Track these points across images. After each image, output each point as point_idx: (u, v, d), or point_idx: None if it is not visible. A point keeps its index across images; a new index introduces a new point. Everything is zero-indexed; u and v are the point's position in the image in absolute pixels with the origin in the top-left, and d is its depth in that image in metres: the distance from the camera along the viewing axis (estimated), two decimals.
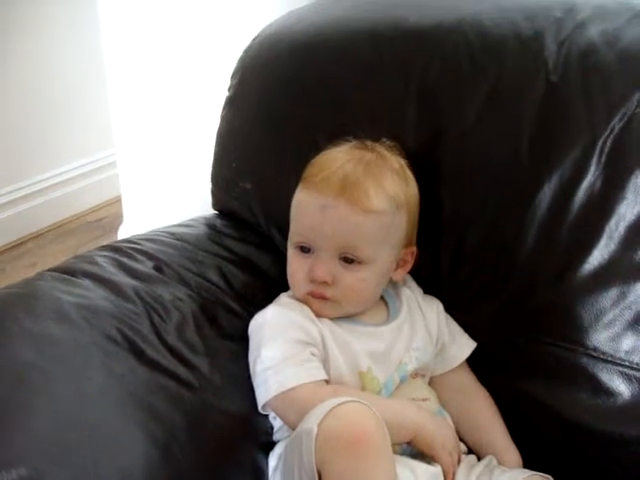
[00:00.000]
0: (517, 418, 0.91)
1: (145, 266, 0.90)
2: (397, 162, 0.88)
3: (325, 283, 0.84)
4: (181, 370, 0.80)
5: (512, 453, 0.88)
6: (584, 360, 0.87)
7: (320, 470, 0.67)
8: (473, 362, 0.94)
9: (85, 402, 0.71)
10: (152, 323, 0.82)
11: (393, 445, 0.72)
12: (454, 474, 0.81)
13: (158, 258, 0.92)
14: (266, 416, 0.86)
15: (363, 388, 0.84)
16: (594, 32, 0.90)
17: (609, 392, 0.85)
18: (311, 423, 0.69)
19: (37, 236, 2.45)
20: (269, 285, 0.96)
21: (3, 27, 2.29)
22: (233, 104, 1.09)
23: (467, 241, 0.93)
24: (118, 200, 2.18)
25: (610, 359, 0.85)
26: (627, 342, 0.85)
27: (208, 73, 1.65)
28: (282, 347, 0.82)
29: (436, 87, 0.95)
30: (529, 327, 0.90)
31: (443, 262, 0.95)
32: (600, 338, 0.86)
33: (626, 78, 0.86)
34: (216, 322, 0.89)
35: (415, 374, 0.89)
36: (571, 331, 0.87)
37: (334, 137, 0.92)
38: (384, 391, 0.85)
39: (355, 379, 0.84)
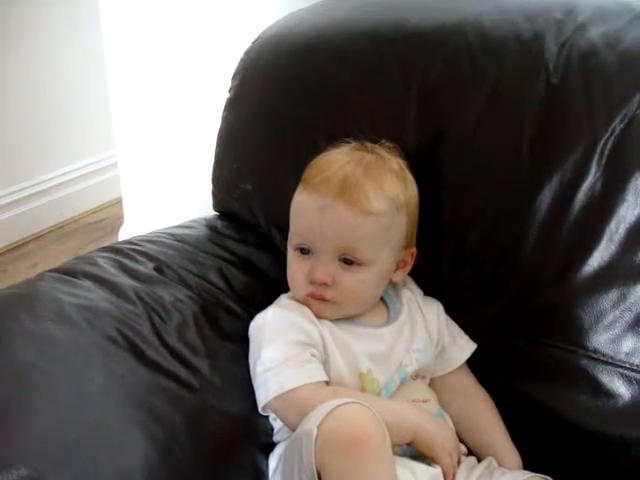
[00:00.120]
0: (517, 419, 0.91)
1: (146, 267, 0.90)
2: (397, 163, 0.88)
3: (325, 285, 0.84)
4: (181, 371, 0.80)
5: (512, 454, 0.88)
6: (584, 362, 0.87)
7: (320, 471, 0.67)
8: (473, 363, 0.94)
9: (85, 403, 0.71)
10: (152, 324, 0.82)
11: (393, 446, 0.72)
12: (454, 475, 0.81)
13: (159, 259, 0.92)
14: (266, 417, 0.86)
15: (363, 389, 0.84)
16: (595, 34, 0.90)
17: (609, 394, 0.85)
18: (311, 424, 0.69)
19: (38, 237, 2.45)
20: (270, 286, 0.96)
21: (4, 27, 2.29)
22: (234, 105, 1.09)
23: (467, 242, 0.93)
24: (119, 201, 2.18)
25: (610, 361, 0.85)
26: (627, 344, 0.85)
27: (209, 74, 1.65)
28: (282, 348, 0.82)
29: (437, 88, 0.95)
30: (529, 329, 0.90)
31: (443, 263, 0.95)
32: (600, 340, 0.86)
33: (627, 80, 0.86)
34: (216, 323, 0.89)
35: (415, 375, 0.89)
36: (571, 333, 0.87)
37: (334, 138, 0.92)
38: (384, 392, 0.85)
39: (355, 380, 0.84)
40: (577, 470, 0.86)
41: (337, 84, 1.00)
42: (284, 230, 0.92)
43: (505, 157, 0.91)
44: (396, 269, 0.90)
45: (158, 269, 0.90)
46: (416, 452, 0.81)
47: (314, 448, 0.67)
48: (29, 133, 2.41)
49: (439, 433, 0.81)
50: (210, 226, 1.06)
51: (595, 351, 0.86)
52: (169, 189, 1.83)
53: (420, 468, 0.79)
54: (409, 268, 0.92)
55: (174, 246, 0.96)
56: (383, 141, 0.91)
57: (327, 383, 0.82)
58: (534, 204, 0.89)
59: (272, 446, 0.85)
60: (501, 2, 1.01)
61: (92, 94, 2.50)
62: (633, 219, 0.84)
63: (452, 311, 0.95)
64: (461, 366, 0.94)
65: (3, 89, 2.32)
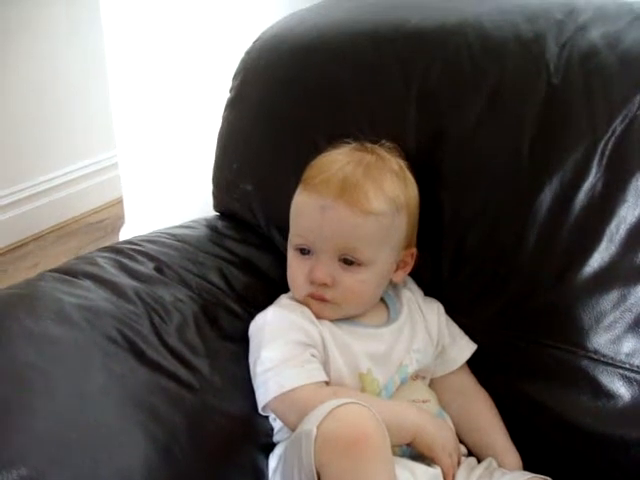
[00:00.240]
0: (517, 420, 0.91)
1: (146, 267, 0.90)
2: (397, 164, 0.88)
3: (325, 285, 0.84)
4: (181, 371, 0.80)
5: (512, 455, 0.88)
6: (584, 362, 0.87)
7: (319, 472, 0.67)
8: (473, 364, 0.94)
9: (85, 403, 0.71)
10: (153, 324, 0.82)
11: (393, 447, 0.72)
12: (454, 476, 0.81)
13: (159, 259, 0.92)
14: (266, 417, 0.86)
15: (363, 390, 0.84)
16: (595, 34, 0.90)
17: (609, 395, 0.85)
18: (310, 425, 0.69)
19: (39, 237, 2.46)
20: (270, 286, 0.96)
21: (4, 27, 2.29)
22: (234, 105, 1.09)
23: (467, 243, 0.93)
24: (120, 201, 2.18)
25: (610, 361, 0.85)
26: (628, 345, 0.85)
27: (210, 74, 1.65)
28: (282, 348, 0.82)
29: (437, 89, 0.95)
30: (529, 329, 0.90)
31: (443, 264, 0.95)
32: (601, 340, 0.86)
33: (627, 80, 0.86)
34: (217, 323, 0.89)
35: (415, 376, 0.89)
36: (572, 333, 0.87)
37: (335, 139, 0.92)
38: (384, 393, 0.85)
39: (355, 381, 0.84)
40: (577, 471, 0.86)
41: (337, 84, 1.00)
42: (284, 230, 0.92)
43: (505, 157, 0.91)
44: (396, 269, 0.90)
45: (158, 269, 0.90)
46: (416, 453, 0.81)
47: (313, 448, 0.67)
48: (30, 133, 2.41)
49: (439, 434, 0.81)
50: (210, 226, 1.06)
51: (595, 352, 0.86)
52: (169, 189, 1.83)
53: (420, 469, 0.79)
54: (409, 268, 0.92)
55: (174, 246, 0.96)
56: (383, 141, 0.91)
57: (327, 383, 0.82)
58: (534, 204, 0.89)
59: (272, 446, 0.85)
60: (501, 2, 1.01)
61: (92, 94, 2.50)
62: (633, 220, 0.84)
63: (452, 311, 0.95)
64: (461, 366, 0.94)
65: (3, 89, 2.32)
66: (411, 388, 0.88)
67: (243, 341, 0.87)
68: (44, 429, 0.67)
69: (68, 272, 0.85)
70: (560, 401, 0.88)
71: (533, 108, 0.89)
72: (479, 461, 0.88)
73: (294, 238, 0.87)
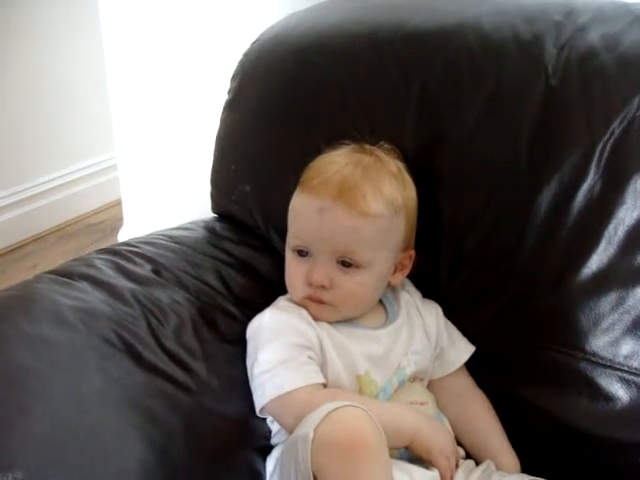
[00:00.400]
0: (515, 422, 0.91)
1: (143, 269, 0.90)
2: (395, 165, 0.88)
3: (323, 287, 0.84)
4: (179, 373, 0.80)
5: (510, 458, 0.88)
6: (583, 365, 0.86)
7: (316, 475, 0.67)
8: (472, 366, 0.94)
9: (82, 405, 0.71)
10: (150, 326, 0.82)
11: (390, 449, 0.71)
12: (452, 479, 0.81)
13: (157, 261, 0.92)
14: (264, 420, 0.85)
15: (361, 391, 0.84)
16: (594, 36, 0.90)
17: (608, 397, 0.85)
18: (307, 428, 0.68)
19: (38, 238, 2.45)
20: (268, 288, 0.96)
21: (4, 28, 2.29)
22: (233, 107, 1.09)
23: (466, 245, 0.93)
24: (119, 203, 2.18)
25: (609, 364, 0.85)
26: (626, 347, 0.85)
27: (208, 76, 1.65)
28: (279, 351, 0.82)
29: (436, 90, 0.95)
30: (528, 331, 0.90)
31: (442, 266, 0.95)
32: (599, 343, 0.86)
33: (626, 82, 0.86)
34: (214, 326, 0.88)
35: (413, 378, 0.89)
36: (570, 336, 0.87)
37: (333, 140, 0.92)
38: (382, 395, 0.85)
39: (353, 382, 0.84)
40: (575, 473, 0.86)
41: (337, 86, 1.00)
42: (283, 232, 0.92)
43: (504, 159, 0.91)
44: (394, 272, 0.90)
45: (156, 271, 0.90)
46: (414, 455, 0.81)
47: (310, 452, 0.67)
48: (29, 135, 2.41)
49: (437, 436, 0.81)
50: (208, 228, 1.06)
51: (594, 354, 0.86)
52: (168, 191, 1.82)
53: (418, 471, 0.78)
54: (407, 271, 0.92)
55: (172, 248, 0.96)
56: (382, 143, 0.91)
57: (324, 385, 0.82)
58: (533, 206, 0.88)
59: (270, 449, 0.85)
60: (500, 4, 1.01)
61: (92, 96, 2.50)
62: (632, 222, 0.84)
63: (451, 314, 0.95)
64: (459, 369, 0.94)
65: (3, 90, 2.32)
66: (409, 390, 0.88)
67: (240, 343, 0.87)
68: (40, 432, 0.66)
69: (65, 274, 0.85)
70: (558, 403, 0.88)
71: (532, 109, 0.89)
72: (477, 463, 0.87)
73: (292, 240, 0.87)
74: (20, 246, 2.40)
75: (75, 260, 0.91)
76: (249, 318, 0.89)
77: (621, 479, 0.84)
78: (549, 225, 0.88)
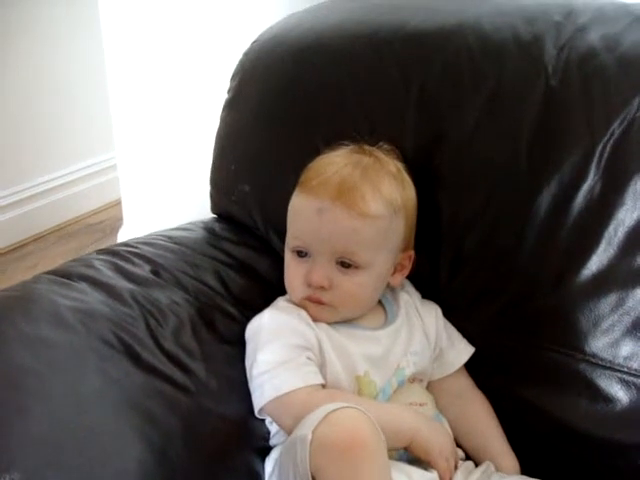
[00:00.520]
0: (515, 423, 0.91)
1: (142, 270, 0.89)
2: (394, 166, 0.88)
3: (322, 288, 0.83)
4: (177, 374, 0.80)
5: (509, 459, 0.88)
6: (583, 366, 0.86)
7: (315, 476, 0.67)
8: (472, 366, 0.94)
9: (81, 406, 0.71)
10: (149, 327, 0.82)
11: (389, 451, 0.71)
12: None
13: (156, 262, 0.92)
14: (263, 421, 0.85)
15: (360, 392, 0.84)
16: (594, 36, 0.90)
17: (608, 398, 0.85)
18: (306, 429, 0.68)
19: (38, 238, 2.45)
20: (267, 289, 0.96)
21: (4, 28, 2.29)
22: (232, 107, 1.09)
23: (466, 245, 0.93)
24: (118, 203, 2.18)
25: (609, 365, 0.85)
26: (626, 348, 0.84)
27: (208, 76, 1.65)
28: (278, 351, 0.82)
29: (436, 91, 0.94)
30: (527, 332, 0.90)
31: (441, 266, 0.95)
32: (599, 344, 0.85)
33: (626, 82, 0.86)
34: (213, 326, 0.88)
35: (413, 379, 0.89)
36: (570, 337, 0.87)
37: (333, 140, 0.92)
38: (381, 395, 0.85)
39: (352, 383, 0.84)
40: (575, 474, 0.86)
41: (336, 86, 1.00)
42: (282, 232, 0.92)
43: (504, 159, 0.91)
44: (394, 272, 0.90)
45: (155, 272, 0.90)
46: (412, 457, 0.81)
47: (309, 453, 0.67)
48: (29, 134, 2.41)
49: (436, 437, 0.81)
50: (208, 228, 1.06)
51: (593, 355, 0.86)
52: (168, 191, 1.82)
53: (417, 473, 0.78)
54: (407, 271, 0.92)
55: (171, 249, 0.96)
56: (381, 143, 0.91)
57: (323, 386, 0.82)
58: (533, 207, 0.88)
59: (268, 450, 0.85)
60: (500, 4, 1.01)
61: (92, 95, 2.50)
62: (632, 223, 0.84)
63: (450, 314, 0.95)
64: (459, 370, 0.94)
65: (3, 90, 2.32)
66: (408, 391, 0.88)
67: (239, 344, 0.87)
68: (39, 432, 0.66)
69: (64, 274, 0.85)
70: (558, 405, 0.87)
71: (532, 110, 0.89)
72: (476, 465, 0.87)
73: (291, 240, 0.87)
74: (20, 246, 2.40)
75: (74, 261, 0.91)
76: (248, 319, 0.89)
77: None
78: (549, 225, 0.88)
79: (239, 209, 1.07)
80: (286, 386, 0.79)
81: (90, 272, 0.86)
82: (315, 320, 0.85)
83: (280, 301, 0.90)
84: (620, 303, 0.84)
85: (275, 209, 0.98)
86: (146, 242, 0.97)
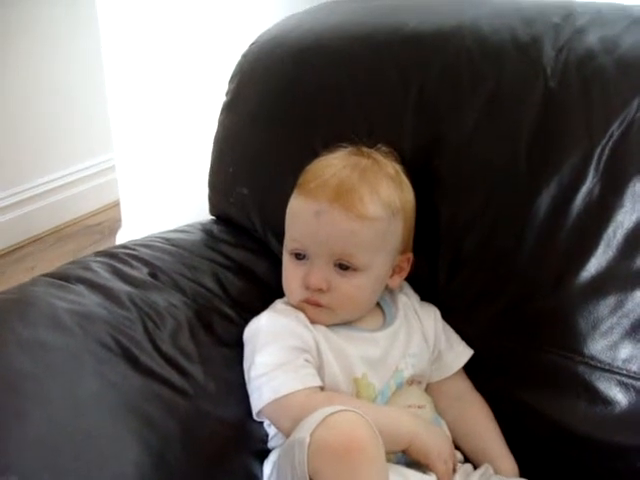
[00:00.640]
0: (514, 426, 0.90)
1: (140, 272, 0.89)
2: (393, 168, 0.88)
3: (320, 290, 0.83)
4: (175, 377, 0.80)
5: (508, 462, 0.88)
6: (581, 368, 0.86)
7: (313, 479, 0.67)
8: (470, 368, 0.94)
9: (78, 409, 0.71)
10: (146, 330, 0.82)
11: (388, 454, 0.71)
12: None
13: (153, 264, 0.92)
14: (261, 423, 0.85)
15: (358, 394, 0.83)
16: (593, 38, 0.90)
17: (606, 401, 0.85)
18: (304, 432, 0.68)
19: (37, 240, 2.45)
20: (265, 291, 0.96)
21: (4, 29, 2.29)
22: (231, 109, 1.09)
23: (464, 247, 0.93)
24: (117, 204, 2.18)
25: (608, 368, 0.85)
26: (624, 351, 0.84)
27: (206, 77, 1.65)
28: (276, 354, 0.81)
29: (435, 93, 0.94)
30: (526, 335, 0.90)
31: (440, 268, 0.95)
32: (598, 346, 0.85)
33: (625, 84, 0.86)
34: (211, 329, 0.88)
35: (411, 381, 0.89)
36: (569, 339, 0.87)
37: (332, 142, 0.92)
38: (380, 398, 0.84)
39: (350, 385, 0.83)
40: (574, 477, 0.86)
41: (335, 88, 1.00)
42: (280, 235, 0.92)
43: (503, 161, 0.91)
44: (392, 274, 0.90)
45: (152, 274, 0.90)
46: (411, 460, 0.80)
47: (307, 456, 0.66)
48: (28, 135, 2.41)
49: (434, 440, 0.81)
50: (206, 230, 1.05)
51: (592, 358, 0.86)
52: (166, 192, 1.83)
53: (415, 476, 0.78)
54: (405, 273, 0.92)
55: (169, 251, 0.96)
56: (380, 145, 0.91)
57: (321, 389, 0.81)
58: (532, 208, 0.88)
59: (267, 453, 0.85)
60: (499, 6, 1.01)
61: (91, 97, 2.50)
62: (631, 225, 0.84)
63: (449, 315, 0.95)
64: (458, 372, 0.93)
65: (3, 90, 2.32)
66: (407, 393, 0.88)
67: (238, 346, 0.87)
68: (36, 435, 0.66)
69: (62, 277, 0.85)
70: (557, 407, 0.87)
71: (531, 111, 0.89)
72: (475, 468, 0.87)
73: (289, 243, 0.87)
74: (19, 247, 2.40)
75: (72, 263, 0.91)
76: (246, 321, 0.88)
77: None
78: (548, 227, 0.88)
79: (237, 211, 1.06)
80: (284, 388, 0.79)
81: (88, 274, 0.86)
82: (313, 322, 0.85)
83: (278, 303, 0.90)
84: (619, 305, 0.84)
85: (273, 211, 0.98)
86: (144, 244, 0.97)
